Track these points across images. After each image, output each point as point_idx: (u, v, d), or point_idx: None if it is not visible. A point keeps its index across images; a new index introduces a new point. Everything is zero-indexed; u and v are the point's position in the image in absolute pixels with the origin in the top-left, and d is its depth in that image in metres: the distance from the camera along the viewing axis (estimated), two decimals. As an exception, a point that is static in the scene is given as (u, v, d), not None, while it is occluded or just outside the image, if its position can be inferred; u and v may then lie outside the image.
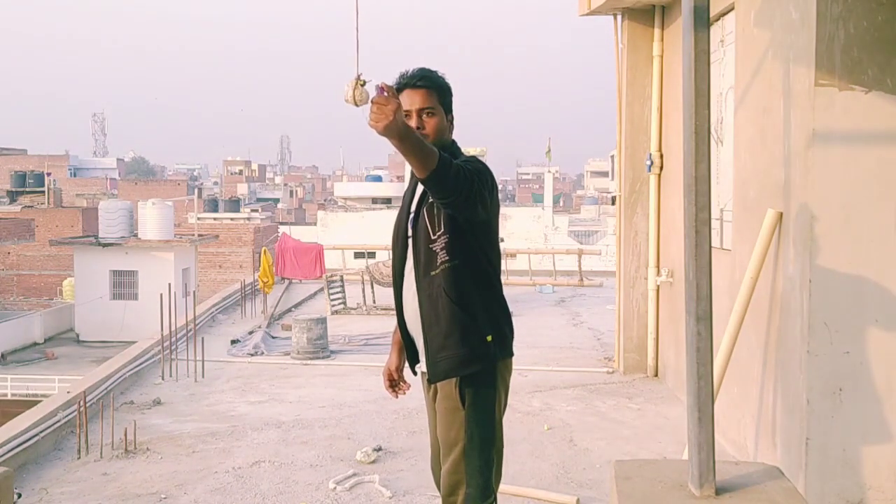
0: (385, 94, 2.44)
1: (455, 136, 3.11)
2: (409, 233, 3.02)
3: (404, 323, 3.11)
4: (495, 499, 3.02)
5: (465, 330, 2.91)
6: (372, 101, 2.45)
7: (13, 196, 47.67)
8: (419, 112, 2.97)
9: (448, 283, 2.89)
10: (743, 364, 5.13)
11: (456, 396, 2.93)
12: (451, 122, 3.07)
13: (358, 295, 12.81)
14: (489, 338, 2.93)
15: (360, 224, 30.39)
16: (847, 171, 4.18)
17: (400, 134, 2.49)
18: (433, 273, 2.91)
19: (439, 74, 3.06)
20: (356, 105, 2.49)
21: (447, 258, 2.89)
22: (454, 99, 3.08)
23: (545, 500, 4.73)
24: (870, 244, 4.18)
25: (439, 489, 3.10)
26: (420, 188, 2.99)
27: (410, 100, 2.97)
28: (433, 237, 2.90)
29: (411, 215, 3.02)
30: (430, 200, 2.90)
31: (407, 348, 3.14)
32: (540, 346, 9.53)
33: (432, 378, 3.00)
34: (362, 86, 2.50)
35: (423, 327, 2.96)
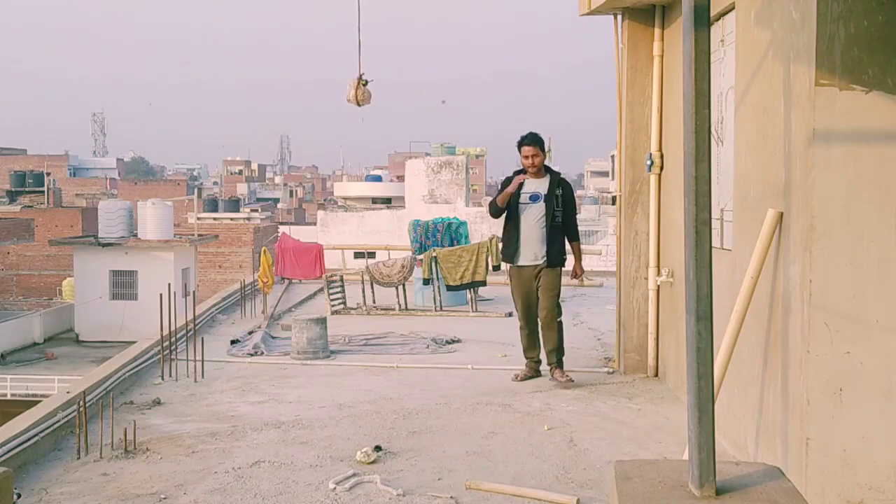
0: None
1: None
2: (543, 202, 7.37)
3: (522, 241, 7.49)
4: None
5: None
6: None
7: (13, 196, 47.63)
8: (532, 156, 7.32)
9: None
10: (743, 364, 5.13)
11: (559, 272, 7.54)
12: (547, 154, 7.63)
13: (358, 295, 12.77)
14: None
15: (360, 224, 30.30)
16: (847, 170, 4.18)
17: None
18: (556, 221, 7.40)
19: (540, 135, 7.42)
20: (358, 105, 2.51)
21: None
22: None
23: (545, 500, 4.73)
24: (870, 244, 4.18)
25: (533, 317, 7.69)
26: (541, 187, 7.42)
27: (533, 150, 7.33)
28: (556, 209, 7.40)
29: (543, 195, 7.37)
30: (554, 193, 7.41)
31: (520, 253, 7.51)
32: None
33: (549, 264, 7.47)
34: (364, 85, 2.51)
35: (546, 242, 7.42)
